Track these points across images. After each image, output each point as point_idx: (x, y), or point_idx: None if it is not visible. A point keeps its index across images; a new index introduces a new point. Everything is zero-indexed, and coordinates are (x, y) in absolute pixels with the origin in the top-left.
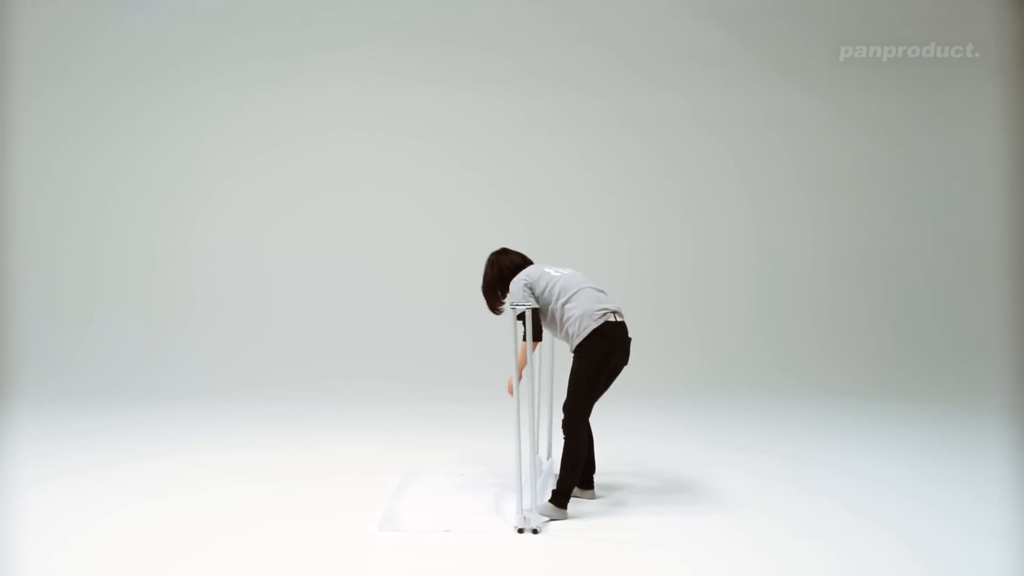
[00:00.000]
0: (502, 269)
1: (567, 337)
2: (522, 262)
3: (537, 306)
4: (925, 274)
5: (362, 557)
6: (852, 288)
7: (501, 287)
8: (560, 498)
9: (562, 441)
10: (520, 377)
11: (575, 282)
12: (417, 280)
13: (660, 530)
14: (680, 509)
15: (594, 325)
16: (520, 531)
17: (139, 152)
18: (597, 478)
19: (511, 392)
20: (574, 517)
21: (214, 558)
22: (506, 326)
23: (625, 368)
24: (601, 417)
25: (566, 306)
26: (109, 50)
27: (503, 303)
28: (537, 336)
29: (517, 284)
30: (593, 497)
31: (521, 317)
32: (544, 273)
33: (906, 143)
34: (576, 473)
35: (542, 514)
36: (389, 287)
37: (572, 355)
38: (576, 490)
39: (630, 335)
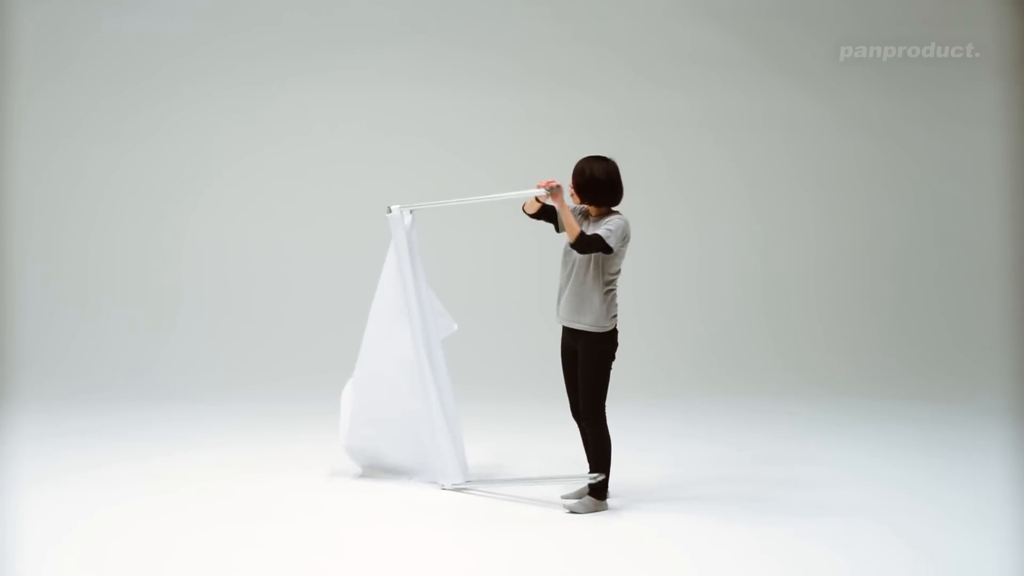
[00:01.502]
0: (607, 179)
1: (597, 306)
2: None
3: (612, 251)
4: (925, 273)
5: (358, 555)
6: (854, 287)
7: (587, 189)
8: (600, 492)
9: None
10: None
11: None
12: None
13: (664, 528)
14: (684, 508)
15: (616, 322)
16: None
17: (136, 151)
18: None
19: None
20: (579, 515)
21: (207, 555)
22: (507, 323)
23: (629, 366)
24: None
25: (615, 282)
26: (105, 48)
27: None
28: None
29: (623, 221)
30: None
31: (589, 247)
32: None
33: (907, 142)
34: (609, 463)
35: (583, 511)
36: None
37: (590, 340)
38: (579, 491)
39: None
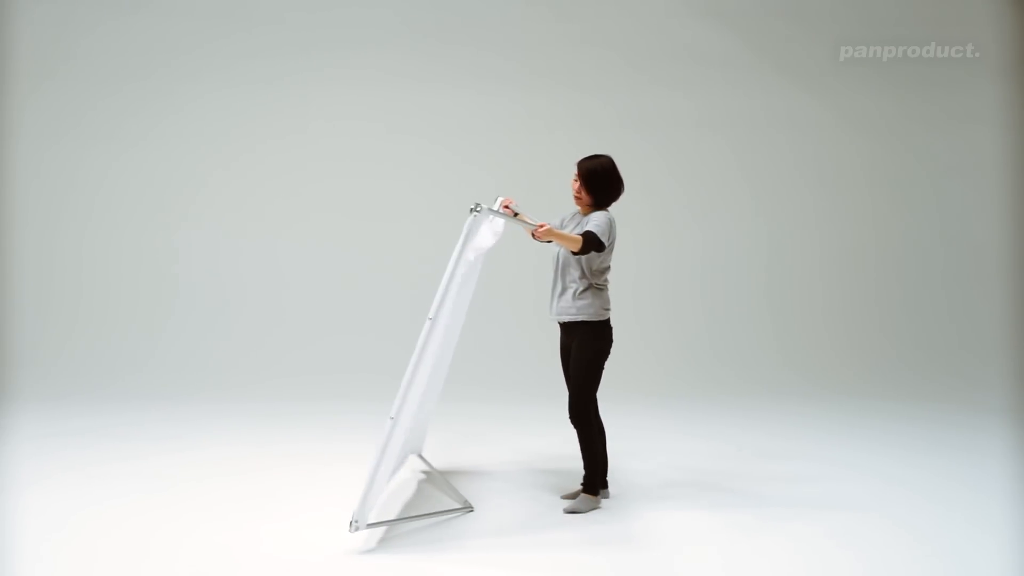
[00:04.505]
0: (614, 171)
1: (589, 298)
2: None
3: (604, 248)
4: (926, 272)
5: (357, 554)
6: (854, 287)
7: (593, 184)
8: (592, 488)
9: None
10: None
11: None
12: (418, 275)
13: (667, 528)
14: (687, 506)
15: (609, 315)
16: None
17: (134, 150)
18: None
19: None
20: (581, 514)
21: (205, 554)
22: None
23: (631, 365)
24: (608, 416)
25: (606, 277)
26: (103, 49)
27: (579, 195)
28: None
29: (607, 216)
30: (607, 496)
31: (588, 248)
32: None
33: (907, 142)
34: (598, 459)
35: (576, 510)
36: (390, 282)
37: (584, 331)
38: (576, 491)
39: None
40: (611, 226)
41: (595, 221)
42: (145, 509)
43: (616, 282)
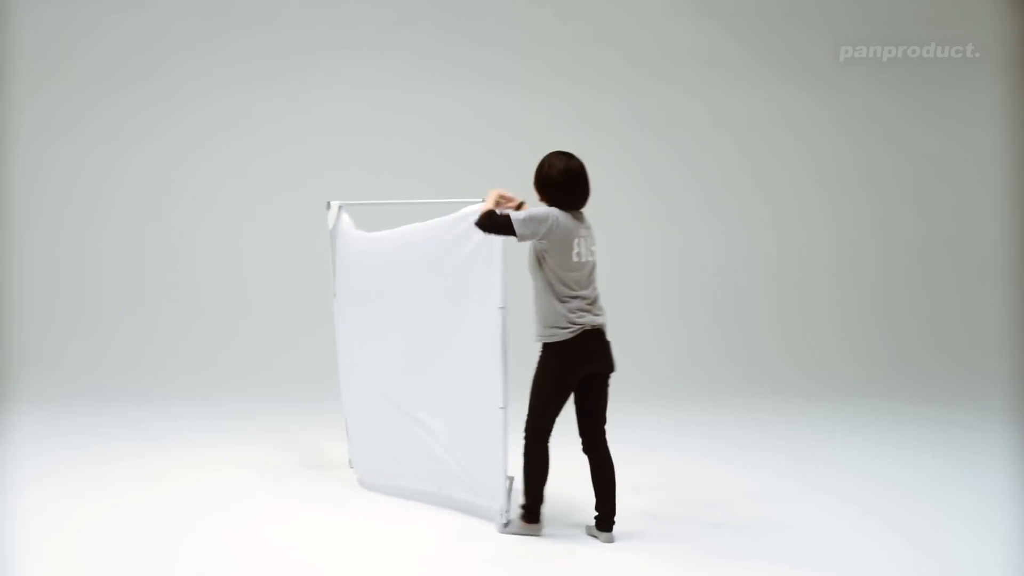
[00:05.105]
0: (563, 180)
1: (544, 315)
2: (564, 192)
3: (526, 238)
4: (926, 272)
5: (354, 554)
6: (853, 287)
7: (544, 186)
8: (529, 515)
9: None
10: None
11: (582, 279)
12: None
13: (663, 528)
14: (684, 508)
15: (567, 335)
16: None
17: (134, 150)
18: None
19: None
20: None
21: (205, 554)
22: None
23: (639, 366)
24: (613, 416)
25: (570, 294)
26: (103, 49)
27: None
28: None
29: (545, 210)
30: (538, 533)
31: (491, 225)
32: (576, 237)
33: (907, 142)
34: (533, 488)
35: (513, 532)
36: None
37: (542, 351)
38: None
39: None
40: (545, 221)
41: (530, 208)
42: (145, 509)
43: (619, 282)
